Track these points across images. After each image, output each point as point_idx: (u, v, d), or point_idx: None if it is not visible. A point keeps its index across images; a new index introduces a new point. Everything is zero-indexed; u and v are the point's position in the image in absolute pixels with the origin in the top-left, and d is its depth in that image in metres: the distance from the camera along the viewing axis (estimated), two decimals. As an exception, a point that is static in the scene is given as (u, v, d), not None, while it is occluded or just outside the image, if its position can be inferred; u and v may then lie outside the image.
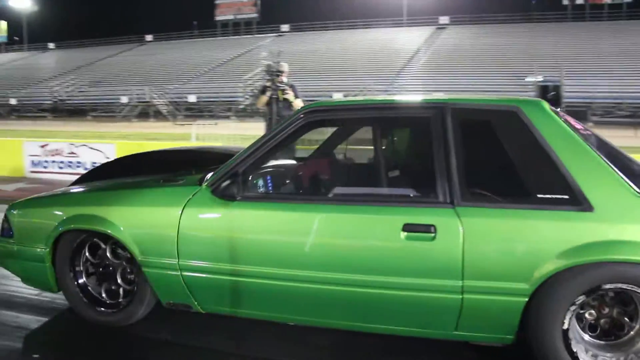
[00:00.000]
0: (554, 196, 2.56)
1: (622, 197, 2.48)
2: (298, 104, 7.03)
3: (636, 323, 2.55)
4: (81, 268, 3.39)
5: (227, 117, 28.99)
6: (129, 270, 3.31)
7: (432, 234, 2.61)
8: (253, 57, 36.11)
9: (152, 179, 3.43)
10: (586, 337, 2.61)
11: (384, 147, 3.31)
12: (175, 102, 34.32)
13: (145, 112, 33.95)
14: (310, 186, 3.24)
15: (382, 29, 43.79)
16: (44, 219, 3.39)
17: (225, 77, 36.67)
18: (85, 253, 3.37)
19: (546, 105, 2.77)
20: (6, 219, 3.54)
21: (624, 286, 2.45)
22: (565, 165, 2.54)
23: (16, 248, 3.46)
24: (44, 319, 3.56)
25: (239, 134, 13.19)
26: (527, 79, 29.50)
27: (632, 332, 2.56)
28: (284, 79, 7.12)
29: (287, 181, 3.32)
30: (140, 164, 3.95)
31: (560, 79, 30.05)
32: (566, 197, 2.52)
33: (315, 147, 3.59)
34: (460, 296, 2.60)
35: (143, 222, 3.12)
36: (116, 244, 3.26)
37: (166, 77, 38.70)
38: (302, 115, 2.99)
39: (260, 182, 3.00)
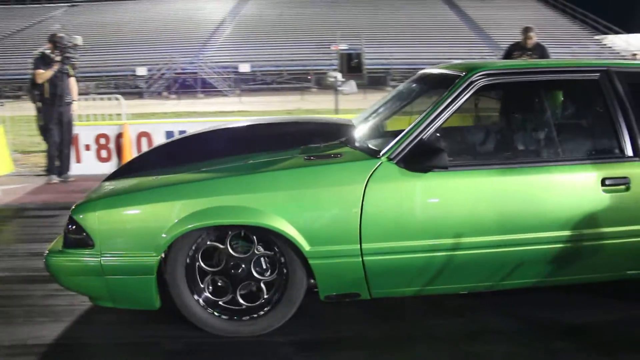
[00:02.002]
0: None
1: None
2: (73, 82, 6.91)
3: None
4: (204, 282, 2.83)
5: (19, 97, 25.60)
6: (269, 267, 2.85)
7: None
8: (43, 30, 32.08)
9: (287, 157, 2.97)
10: None
11: (557, 110, 3.30)
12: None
13: None
14: (503, 151, 3.10)
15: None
16: (154, 218, 2.73)
17: (12, 52, 32.11)
18: (198, 258, 2.80)
19: None
20: (77, 225, 2.78)
21: None
22: None
23: (102, 261, 2.74)
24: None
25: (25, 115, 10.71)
26: (332, 47, 30.88)
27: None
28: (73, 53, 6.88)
29: (476, 147, 3.15)
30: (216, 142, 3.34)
31: (361, 47, 32.06)
32: None
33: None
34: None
35: (312, 207, 2.70)
36: (246, 239, 2.80)
37: None
38: (475, 79, 2.88)
39: (450, 150, 2.78)
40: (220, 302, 2.83)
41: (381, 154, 2.78)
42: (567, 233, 2.80)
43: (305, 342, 2.82)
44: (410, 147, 2.74)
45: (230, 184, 2.79)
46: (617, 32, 34.44)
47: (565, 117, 3.25)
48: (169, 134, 7.62)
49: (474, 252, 2.77)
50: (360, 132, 3.29)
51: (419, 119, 2.82)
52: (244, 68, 29.08)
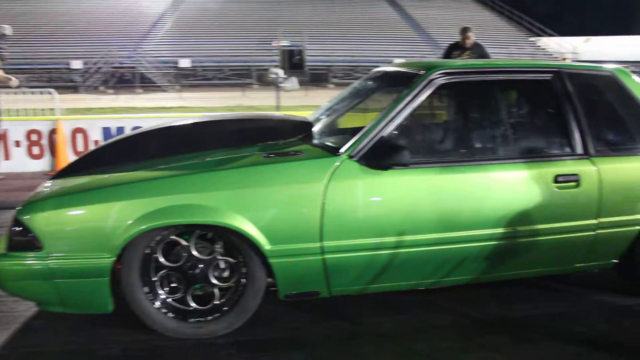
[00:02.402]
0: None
1: None
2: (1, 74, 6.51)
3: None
4: (157, 276, 2.75)
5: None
6: (227, 271, 2.78)
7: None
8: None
9: (246, 154, 2.91)
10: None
11: (512, 109, 3.37)
12: None
13: None
14: (461, 148, 3.11)
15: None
16: (108, 218, 2.60)
17: None
18: (156, 254, 2.72)
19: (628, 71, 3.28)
20: (23, 226, 2.63)
21: None
22: None
23: (51, 264, 2.61)
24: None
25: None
26: (274, 44, 30.72)
27: None
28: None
29: (435, 144, 3.18)
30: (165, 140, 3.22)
31: (303, 44, 32.02)
32: None
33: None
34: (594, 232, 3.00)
35: (273, 205, 2.66)
36: (204, 238, 2.74)
37: None
38: (434, 77, 2.92)
39: (411, 148, 2.79)
40: (169, 300, 2.76)
41: (342, 151, 2.76)
42: (524, 228, 2.89)
43: (246, 342, 2.77)
44: (370, 144, 2.74)
45: (188, 182, 2.69)
46: (550, 35, 35.77)
47: (519, 116, 3.33)
48: (106, 130, 7.38)
49: (438, 247, 2.81)
50: (318, 129, 3.27)
51: (379, 116, 2.83)
52: (185, 63, 28.50)
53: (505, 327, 2.93)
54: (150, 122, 7.14)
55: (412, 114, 2.87)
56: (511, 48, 31.59)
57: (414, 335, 2.85)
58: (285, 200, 2.66)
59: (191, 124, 3.40)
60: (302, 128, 3.17)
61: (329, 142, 2.99)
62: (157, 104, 17.80)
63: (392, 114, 2.81)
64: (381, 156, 2.70)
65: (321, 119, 3.52)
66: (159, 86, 26.85)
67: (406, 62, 3.60)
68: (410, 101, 2.85)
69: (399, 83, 3.08)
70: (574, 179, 2.93)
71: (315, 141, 3.06)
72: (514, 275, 3.12)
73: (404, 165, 2.70)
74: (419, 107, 2.88)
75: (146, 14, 34.56)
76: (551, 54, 33.01)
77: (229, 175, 2.71)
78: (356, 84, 3.84)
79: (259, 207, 2.64)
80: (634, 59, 31.73)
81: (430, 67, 2.96)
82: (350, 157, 2.73)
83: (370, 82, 3.71)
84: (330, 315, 3.07)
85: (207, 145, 3.04)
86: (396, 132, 2.80)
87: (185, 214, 2.61)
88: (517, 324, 2.98)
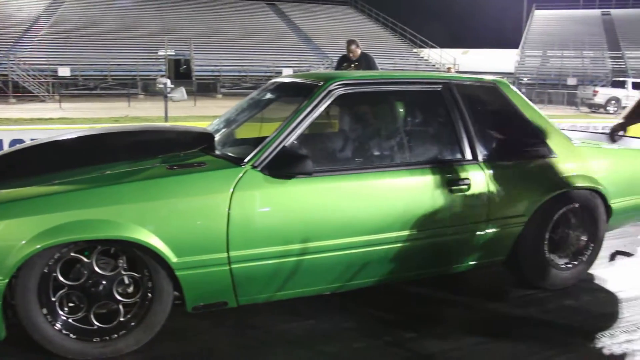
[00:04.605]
0: (535, 148, 3.48)
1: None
2: None
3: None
4: (56, 296, 2.61)
5: None
6: (132, 287, 2.71)
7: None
8: None
9: (148, 167, 2.85)
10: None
11: (407, 118, 3.53)
12: None
13: None
14: (359, 156, 3.22)
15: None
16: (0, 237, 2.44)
17: None
18: (54, 272, 2.59)
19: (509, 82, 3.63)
20: None
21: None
22: (535, 125, 3.49)
23: None
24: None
25: None
26: (160, 53, 30.02)
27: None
28: None
29: (336, 153, 3.26)
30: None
31: (190, 53, 31.54)
32: (543, 148, 3.46)
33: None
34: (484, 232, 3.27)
35: (178, 217, 2.63)
36: (106, 254, 2.66)
37: None
38: (333, 88, 3.03)
39: (312, 157, 2.86)
40: (70, 320, 2.64)
41: (245, 161, 2.80)
42: (423, 230, 3.07)
43: (156, 358, 2.72)
44: (273, 154, 2.80)
45: (88, 196, 2.59)
46: (432, 47, 37.76)
47: (414, 125, 3.53)
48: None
49: (342, 253, 2.91)
50: (220, 140, 3.28)
51: (281, 126, 2.89)
52: (64, 71, 27.04)
53: (413, 324, 3.10)
54: (31, 135, 6.73)
55: (312, 124, 2.96)
56: (395, 59, 33.02)
57: (323, 339, 2.93)
58: (191, 212, 2.65)
59: (87, 136, 3.29)
60: (203, 139, 3.17)
61: (231, 153, 3.01)
62: (34, 115, 16.77)
63: (294, 124, 2.89)
64: (284, 166, 2.76)
65: (221, 129, 3.53)
66: (35, 95, 25.30)
67: (304, 74, 3.70)
68: (310, 111, 2.94)
69: (297, 94, 3.16)
70: (465, 183, 3.16)
71: (218, 152, 3.07)
72: (416, 275, 3.29)
73: (307, 174, 2.78)
74: (319, 117, 2.98)
75: (18, 17, 32.36)
76: (434, 65, 34.88)
77: (132, 189, 2.65)
78: (254, 94, 3.89)
79: (164, 219, 2.61)
80: (505, 71, 34.49)
81: (329, 79, 3.07)
82: (254, 167, 2.77)
83: (268, 93, 3.76)
84: (239, 324, 3.08)
85: (106, 158, 2.95)
86: (298, 141, 2.88)
87: (86, 230, 2.52)
88: (424, 319, 3.17)
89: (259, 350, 2.83)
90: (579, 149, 3.61)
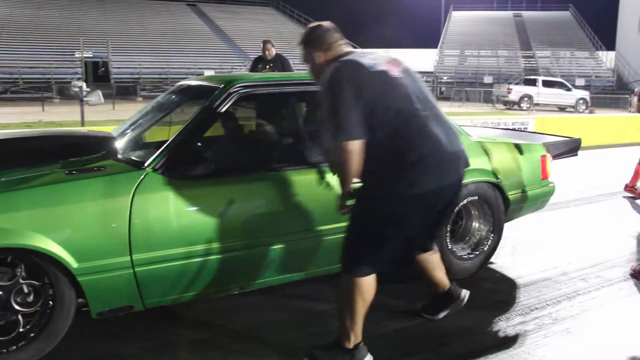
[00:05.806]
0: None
1: None
2: None
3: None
4: None
5: None
6: (32, 291, 2.66)
7: None
8: None
9: (46, 172, 2.79)
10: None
11: (305, 119, 3.53)
12: None
13: None
14: (261, 157, 3.25)
15: None
16: None
17: None
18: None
19: None
20: None
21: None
22: None
23: None
24: None
25: None
26: (77, 55, 28.99)
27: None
28: None
29: (236, 155, 3.28)
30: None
31: (108, 55, 30.64)
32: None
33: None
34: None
35: (78, 223, 2.60)
36: (3, 263, 2.59)
37: None
38: (233, 90, 3.07)
39: (213, 158, 2.90)
40: None
41: (146, 164, 2.81)
42: (321, 228, 3.14)
43: None
44: (174, 156, 2.82)
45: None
46: (353, 46, 38.33)
47: (313, 125, 3.59)
48: None
49: (245, 251, 2.96)
50: (122, 144, 3.26)
51: (182, 129, 2.92)
52: (-30, 75, 25.70)
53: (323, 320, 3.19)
54: None
55: (212, 126, 3.00)
56: (317, 59, 33.12)
57: (232, 338, 2.98)
58: (91, 217, 2.63)
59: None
60: (105, 143, 3.14)
61: (133, 157, 3.01)
62: None
63: (194, 126, 2.92)
64: (184, 168, 2.79)
65: (126, 133, 3.51)
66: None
67: (208, 76, 3.72)
68: (210, 113, 2.98)
69: (200, 96, 3.19)
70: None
71: (120, 156, 3.06)
72: (320, 272, 3.35)
73: (206, 175, 2.82)
74: (220, 118, 3.03)
75: None
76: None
77: (28, 195, 2.60)
78: (160, 97, 3.88)
79: (63, 225, 2.58)
80: (425, 70, 35.50)
81: (229, 81, 3.12)
82: (155, 170, 2.78)
83: (173, 96, 3.77)
84: (147, 327, 3.08)
85: (1, 165, 2.87)
86: (198, 143, 2.91)
87: None
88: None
89: (167, 352, 2.85)
90: (476, 144, 3.80)
